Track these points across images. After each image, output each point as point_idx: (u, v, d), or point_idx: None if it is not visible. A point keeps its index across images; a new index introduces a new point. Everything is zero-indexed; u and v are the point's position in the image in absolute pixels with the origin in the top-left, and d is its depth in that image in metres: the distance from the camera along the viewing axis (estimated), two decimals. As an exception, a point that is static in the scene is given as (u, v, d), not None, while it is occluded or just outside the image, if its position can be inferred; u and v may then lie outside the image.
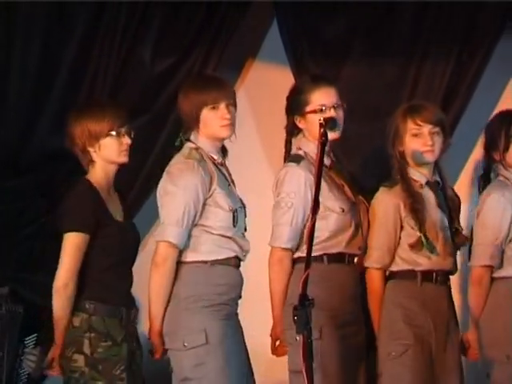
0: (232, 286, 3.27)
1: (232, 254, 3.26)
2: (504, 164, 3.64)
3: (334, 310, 3.35)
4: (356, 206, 3.52)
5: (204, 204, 3.30)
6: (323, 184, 3.31)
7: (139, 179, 4.03)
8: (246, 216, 3.39)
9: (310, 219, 2.92)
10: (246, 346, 3.34)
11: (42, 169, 4.04)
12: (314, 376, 2.67)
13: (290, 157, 3.50)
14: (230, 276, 3.26)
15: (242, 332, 3.35)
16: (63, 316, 3.14)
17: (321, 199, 3.15)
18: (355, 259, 3.62)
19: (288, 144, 3.56)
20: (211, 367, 3.14)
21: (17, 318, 3.48)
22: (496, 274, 3.61)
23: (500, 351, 3.51)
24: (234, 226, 3.23)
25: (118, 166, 3.30)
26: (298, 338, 2.96)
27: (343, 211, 3.38)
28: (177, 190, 3.21)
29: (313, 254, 3.08)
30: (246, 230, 3.39)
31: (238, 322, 3.34)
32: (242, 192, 3.43)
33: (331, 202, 3.38)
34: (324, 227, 3.33)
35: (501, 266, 3.62)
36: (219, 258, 3.26)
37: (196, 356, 3.12)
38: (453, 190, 3.78)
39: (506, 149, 3.61)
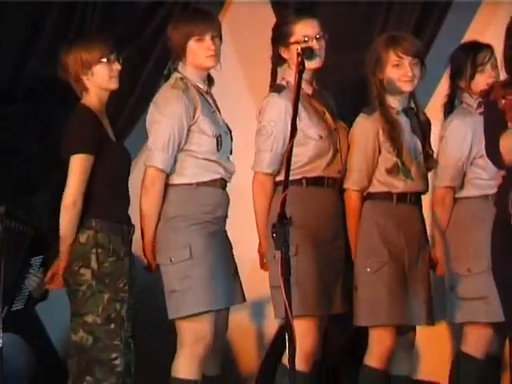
0: (217, 205, 3.40)
1: (217, 176, 3.38)
2: (470, 92, 3.71)
3: (310, 228, 3.45)
4: (336, 131, 3.60)
5: (188, 130, 3.40)
6: (303, 111, 3.44)
7: (128, 105, 4.15)
8: (232, 140, 3.48)
9: (288, 143, 2.99)
10: (234, 261, 3.46)
11: (36, 97, 4.13)
12: (291, 291, 2.78)
13: (273, 87, 3.58)
14: (215, 196, 3.39)
15: (231, 248, 3.47)
16: (70, 233, 3.27)
17: (300, 126, 3.25)
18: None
19: (273, 74, 3.62)
20: (195, 280, 3.27)
21: (22, 238, 3.57)
22: (458, 195, 3.74)
23: (462, 265, 3.65)
24: (218, 150, 3.35)
25: (110, 92, 3.40)
26: (276, 255, 3.10)
27: (321, 138, 3.47)
28: (162, 118, 3.33)
29: (292, 178, 3.19)
30: (231, 152, 3.48)
31: (226, 238, 3.46)
32: (228, 119, 3.53)
33: (310, 129, 3.47)
34: (303, 153, 3.43)
35: (462, 187, 3.74)
36: (204, 180, 3.38)
37: (181, 270, 3.27)
38: (425, 114, 3.85)
39: (472, 77, 3.69)
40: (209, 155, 3.34)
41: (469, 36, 4.44)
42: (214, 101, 3.51)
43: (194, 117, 3.37)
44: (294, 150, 3.09)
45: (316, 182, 3.52)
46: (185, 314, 3.28)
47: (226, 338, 3.82)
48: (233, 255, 3.50)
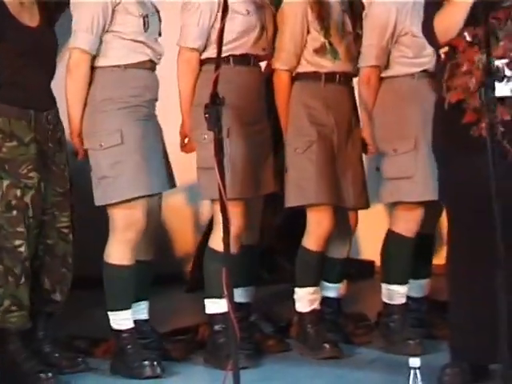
0: (146, 87, 3.46)
1: (145, 58, 3.43)
2: None
3: (240, 109, 3.55)
4: (263, 8, 3.65)
5: (114, 11, 3.43)
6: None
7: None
8: (160, 21, 3.51)
9: (220, 22, 3.01)
10: (164, 147, 3.54)
11: None
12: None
13: None
14: (144, 78, 3.45)
15: (161, 132, 3.55)
16: None
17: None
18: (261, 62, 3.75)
19: None
20: (128, 165, 3.35)
21: None
22: (384, 74, 3.83)
23: (388, 145, 3.79)
24: (145, 31, 3.37)
25: None
26: (206, 136, 3.24)
27: (248, 13, 3.52)
28: None
29: (219, 56, 3.35)
30: (160, 35, 3.52)
31: (156, 123, 3.54)
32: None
33: (237, 3, 3.50)
34: (230, 28, 3.43)
35: (388, 66, 3.84)
36: (132, 61, 3.42)
37: (112, 155, 3.33)
38: None
39: None
40: (135, 36, 3.36)
41: None
42: None
43: None
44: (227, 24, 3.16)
45: (242, 60, 3.59)
46: (118, 199, 3.37)
47: (160, 222, 3.91)
48: (162, 139, 3.57)
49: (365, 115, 3.87)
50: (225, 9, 2.99)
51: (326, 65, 3.77)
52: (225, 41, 3.40)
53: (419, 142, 3.79)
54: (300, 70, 3.79)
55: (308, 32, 3.74)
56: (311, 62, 3.80)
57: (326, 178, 3.78)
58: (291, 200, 3.76)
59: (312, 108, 3.81)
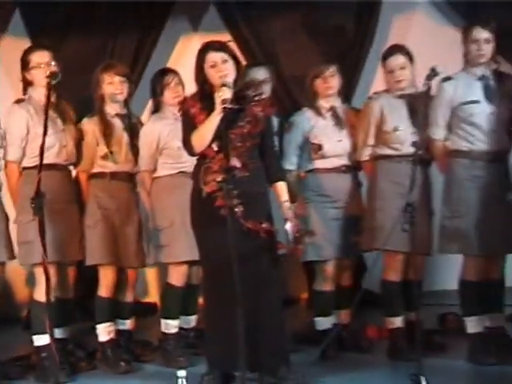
0: None
1: None
2: (165, 103, 4.58)
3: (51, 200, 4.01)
4: (63, 131, 4.36)
5: None
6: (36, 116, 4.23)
7: None
8: None
9: (42, 139, 3.68)
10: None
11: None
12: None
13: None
14: None
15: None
16: None
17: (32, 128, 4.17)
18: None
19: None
20: None
21: None
22: (154, 175, 4.58)
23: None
24: None
25: None
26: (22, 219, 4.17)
27: (46, 134, 3.82)
28: None
29: (32, 165, 4.14)
30: None
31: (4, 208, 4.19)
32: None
33: (39, 128, 3.94)
34: (36, 146, 3.98)
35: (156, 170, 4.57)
36: None
37: None
38: (137, 118, 4.73)
39: (162, 94, 4.56)
40: None
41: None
42: None
43: None
44: (32, 143, 4.15)
45: (51, 166, 4.21)
46: None
47: (4, 279, 4.60)
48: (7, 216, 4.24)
49: (147, 204, 4.61)
50: (45, 132, 3.72)
51: (111, 166, 4.53)
52: (33, 154, 4.20)
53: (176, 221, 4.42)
54: (94, 171, 4.56)
55: (97, 144, 4.51)
56: (100, 165, 4.56)
57: (107, 246, 4.49)
58: (88, 260, 4.49)
59: (99, 197, 4.54)
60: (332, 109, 4.68)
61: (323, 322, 4.74)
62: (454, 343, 4.69)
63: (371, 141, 4.59)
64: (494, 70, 4.40)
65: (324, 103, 4.70)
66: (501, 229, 4.24)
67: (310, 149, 4.69)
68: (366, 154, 4.64)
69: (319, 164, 4.70)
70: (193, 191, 3.93)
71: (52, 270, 4.09)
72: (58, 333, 4.35)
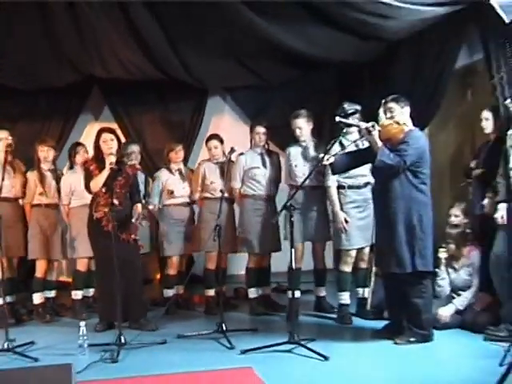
0: None
1: None
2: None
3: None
4: (14, 177, 5.96)
5: None
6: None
7: None
8: None
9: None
10: None
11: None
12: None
13: None
14: None
15: None
16: None
17: None
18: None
19: None
20: None
21: None
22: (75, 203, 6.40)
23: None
24: None
25: None
26: None
27: (3, 180, 5.07)
28: None
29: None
30: None
31: None
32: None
33: None
34: None
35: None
36: None
37: None
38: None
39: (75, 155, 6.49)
40: None
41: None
42: None
43: None
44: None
45: (5, 199, 5.86)
46: None
47: None
48: None
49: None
50: (2, 178, 5.35)
51: (44, 200, 6.30)
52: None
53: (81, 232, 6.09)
54: (34, 202, 6.38)
55: (36, 186, 6.21)
56: (38, 199, 6.34)
57: (41, 247, 6.22)
58: (30, 256, 6.12)
59: (37, 219, 6.30)
60: (179, 169, 7.06)
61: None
62: (242, 304, 7.17)
63: (199, 189, 6.90)
64: (266, 149, 6.82)
65: (174, 166, 7.08)
66: (269, 237, 6.79)
67: (166, 192, 6.96)
68: (197, 196, 6.96)
69: (170, 201, 6.96)
70: (89, 216, 5.66)
71: (5, 261, 5.81)
72: (9, 298, 6.24)
